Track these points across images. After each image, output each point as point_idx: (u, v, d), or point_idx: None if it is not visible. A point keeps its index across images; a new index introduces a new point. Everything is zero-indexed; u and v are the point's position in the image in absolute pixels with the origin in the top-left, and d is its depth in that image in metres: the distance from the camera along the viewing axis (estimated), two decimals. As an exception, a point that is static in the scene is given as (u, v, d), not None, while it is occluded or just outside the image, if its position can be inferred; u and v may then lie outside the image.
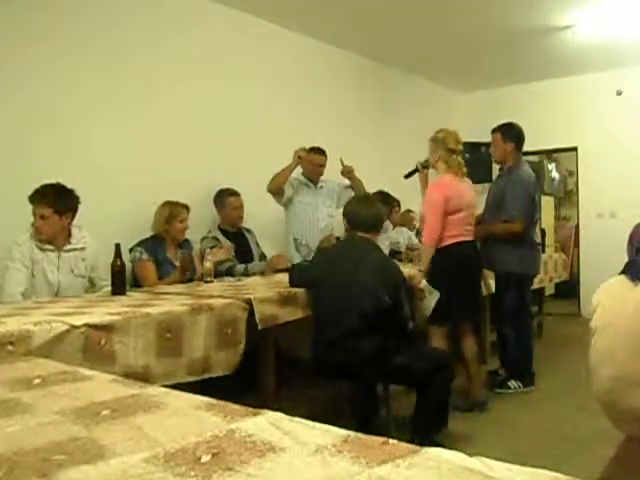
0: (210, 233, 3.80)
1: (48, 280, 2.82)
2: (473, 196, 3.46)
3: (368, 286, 2.55)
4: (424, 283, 3.17)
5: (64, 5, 3.42)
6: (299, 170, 4.10)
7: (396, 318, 2.58)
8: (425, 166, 3.52)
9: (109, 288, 2.74)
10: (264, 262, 3.77)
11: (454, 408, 3.11)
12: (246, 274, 3.58)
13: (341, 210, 4.37)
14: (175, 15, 4.01)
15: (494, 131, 3.82)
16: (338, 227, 4.39)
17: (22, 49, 3.21)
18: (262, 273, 3.62)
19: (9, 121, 3.17)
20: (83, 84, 3.49)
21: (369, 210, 2.85)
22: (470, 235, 3.36)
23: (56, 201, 2.78)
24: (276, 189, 3.99)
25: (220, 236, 3.77)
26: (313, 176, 4.16)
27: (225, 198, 3.87)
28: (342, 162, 4.11)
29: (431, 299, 3.16)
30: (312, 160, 4.06)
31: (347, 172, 4.15)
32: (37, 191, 2.77)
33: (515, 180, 3.67)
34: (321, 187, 4.21)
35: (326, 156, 4.12)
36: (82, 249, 2.95)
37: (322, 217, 4.17)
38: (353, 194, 4.25)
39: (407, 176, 3.70)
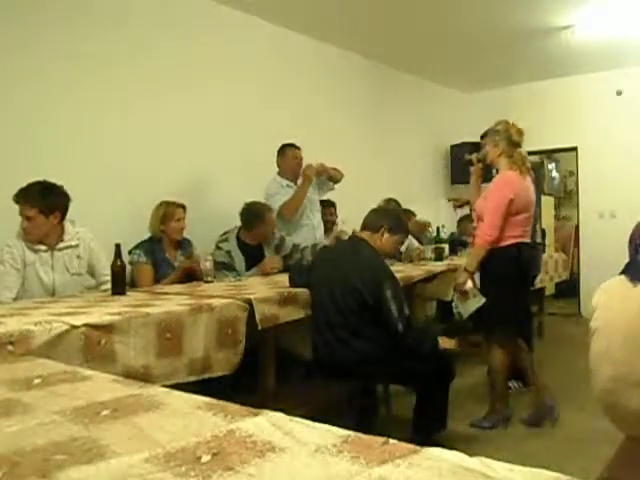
0: (225, 245, 3.55)
1: (42, 281, 2.77)
2: (534, 195, 3.18)
3: (353, 285, 2.55)
4: (469, 285, 2.97)
5: (63, 5, 3.42)
6: (282, 180, 4.04)
7: (384, 319, 2.55)
8: (480, 160, 3.31)
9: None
10: (255, 269, 3.55)
11: (473, 426, 3.06)
12: None
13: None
14: (175, 16, 4.01)
15: (485, 136, 3.77)
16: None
17: (19, 48, 3.21)
18: None
19: (5, 121, 3.16)
20: (81, 84, 3.49)
21: (370, 212, 2.89)
22: (528, 236, 3.10)
23: (40, 201, 2.68)
24: (295, 215, 3.89)
25: (235, 251, 3.53)
26: (296, 175, 4.04)
27: (266, 214, 3.59)
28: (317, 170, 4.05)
29: (474, 303, 2.97)
30: (296, 156, 3.99)
31: (324, 172, 4.06)
32: (21, 191, 2.68)
33: None
34: None
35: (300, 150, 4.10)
36: (76, 246, 2.87)
37: (313, 214, 4.15)
38: (330, 182, 4.24)
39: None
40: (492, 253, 2.96)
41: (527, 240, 3.06)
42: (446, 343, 2.67)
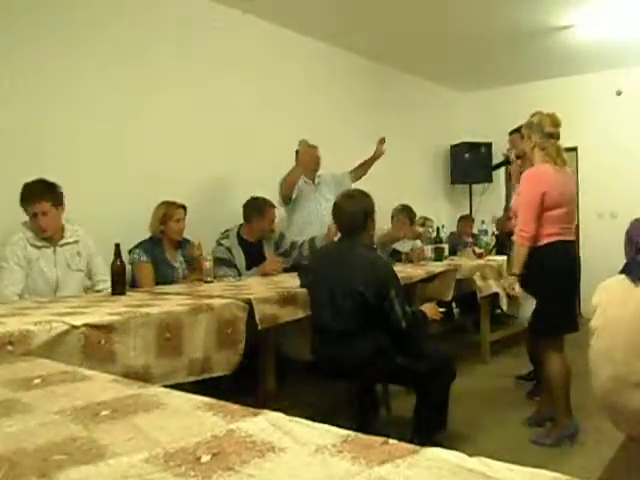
0: (226, 242, 3.61)
1: (46, 277, 2.81)
2: (574, 189, 3.03)
3: (354, 286, 2.54)
4: (517, 289, 2.88)
5: (60, 4, 3.41)
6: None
7: (387, 318, 2.55)
8: (518, 156, 3.22)
9: (108, 284, 2.74)
10: (255, 269, 3.57)
11: (536, 444, 2.81)
12: None
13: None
14: (174, 14, 4.00)
15: (513, 132, 3.60)
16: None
17: (19, 47, 3.20)
18: None
19: (4, 121, 3.15)
20: (81, 84, 3.48)
21: (342, 218, 2.74)
22: (570, 234, 2.95)
23: (49, 194, 2.77)
24: (290, 193, 3.95)
25: (235, 248, 3.59)
26: (310, 173, 4.12)
27: (266, 208, 3.65)
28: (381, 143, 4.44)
29: (527, 306, 2.88)
30: (310, 154, 4.03)
31: (380, 151, 4.42)
32: (29, 190, 2.74)
33: None
34: (318, 183, 4.20)
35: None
36: (76, 242, 2.92)
37: (326, 213, 4.15)
38: (348, 181, 4.31)
39: (494, 168, 3.53)
40: (529, 254, 2.84)
41: (568, 238, 2.92)
42: (433, 312, 2.76)
